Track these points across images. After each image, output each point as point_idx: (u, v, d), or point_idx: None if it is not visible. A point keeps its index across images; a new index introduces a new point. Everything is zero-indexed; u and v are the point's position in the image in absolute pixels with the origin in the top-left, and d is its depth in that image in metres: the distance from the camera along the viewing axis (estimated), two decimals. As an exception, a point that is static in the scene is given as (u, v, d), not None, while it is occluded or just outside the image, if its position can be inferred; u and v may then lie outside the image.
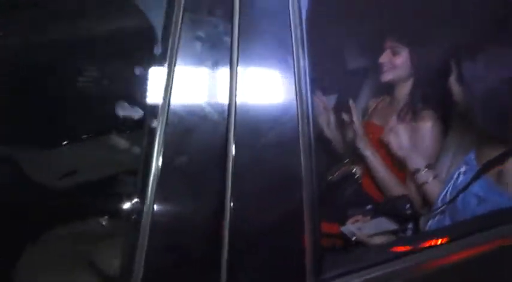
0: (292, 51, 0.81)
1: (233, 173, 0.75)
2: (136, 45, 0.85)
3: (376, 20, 1.57)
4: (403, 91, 1.66)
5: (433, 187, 1.39)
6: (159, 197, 0.72)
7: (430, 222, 1.32)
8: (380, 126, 1.70)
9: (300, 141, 0.80)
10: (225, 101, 0.77)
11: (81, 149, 0.90)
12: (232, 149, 0.76)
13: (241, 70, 0.78)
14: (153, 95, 0.75)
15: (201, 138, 0.75)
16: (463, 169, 1.28)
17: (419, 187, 1.42)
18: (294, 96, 0.80)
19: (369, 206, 1.45)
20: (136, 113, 0.82)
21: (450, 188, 1.29)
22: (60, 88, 0.90)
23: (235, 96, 0.77)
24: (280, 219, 0.79)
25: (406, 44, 1.57)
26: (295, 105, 0.80)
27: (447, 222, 1.26)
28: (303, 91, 0.81)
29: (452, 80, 1.23)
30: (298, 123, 0.80)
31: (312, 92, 0.83)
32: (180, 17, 0.77)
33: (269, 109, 0.79)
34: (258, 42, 0.80)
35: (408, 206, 1.31)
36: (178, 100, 0.75)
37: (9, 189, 0.93)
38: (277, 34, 0.81)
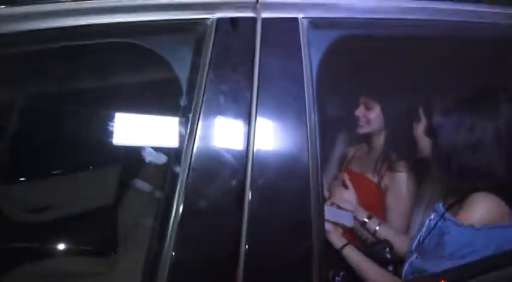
0: (305, 106, 0.88)
1: (249, 218, 0.80)
2: (163, 96, 0.90)
3: (352, 77, 1.67)
4: (378, 141, 1.75)
5: (383, 231, 1.50)
6: (179, 240, 0.76)
7: (405, 266, 1.38)
8: (358, 173, 1.78)
9: (311, 189, 0.86)
10: (243, 150, 0.83)
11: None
12: (249, 195, 0.81)
13: (259, 123, 0.84)
14: (178, 143, 0.80)
15: (220, 184, 0.80)
16: (432, 216, 1.35)
17: (374, 235, 1.52)
18: (306, 148, 0.87)
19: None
20: (161, 159, 0.86)
21: (423, 234, 1.36)
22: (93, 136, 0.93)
23: (253, 146, 0.83)
24: (290, 263, 0.83)
25: (377, 100, 1.67)
26: (307, 157, 0.86)
27: (418, 263, 1.31)
28: (314, 143, 0.87)
29: (420, 130, 1.30)
30: (309, 173, 0.86)
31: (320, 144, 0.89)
32: (206, 72, 0.83)
33: (283, 159, 0.85)
34: (275, 98, 0.87)
35: (387, 250, 1.37)
36: (201, 148, 0.80)
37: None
38: (292, 91, 0.88)
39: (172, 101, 0.84)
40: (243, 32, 0.88)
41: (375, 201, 1.64)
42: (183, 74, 0.85)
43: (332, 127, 2.17)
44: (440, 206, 1.35)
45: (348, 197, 1.56)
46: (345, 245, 1.38)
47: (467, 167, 1.21)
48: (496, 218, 1.17)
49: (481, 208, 1.16)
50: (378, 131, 1.71)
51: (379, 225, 1.51)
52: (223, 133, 0.83)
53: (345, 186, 1.59)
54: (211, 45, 0.85)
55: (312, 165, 0.87)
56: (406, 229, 1.58)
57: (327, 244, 0.85)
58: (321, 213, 0.85)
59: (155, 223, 0.79)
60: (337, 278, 1.44)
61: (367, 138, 1.78)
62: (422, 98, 1.34)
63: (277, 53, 0.90)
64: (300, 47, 0.92)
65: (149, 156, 0.85)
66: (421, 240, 1.34)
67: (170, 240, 0.75)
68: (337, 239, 1.41)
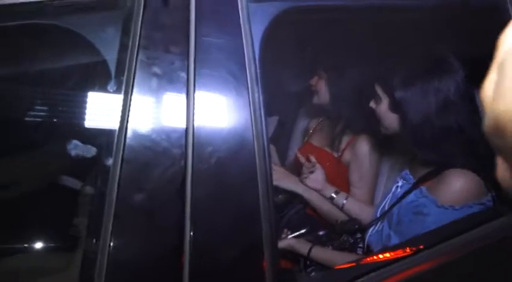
0: (248, 85, 0.82)
1: (192, 208, 0.74)
2: (89, 81, 0.82)
3: (311, 48, 1.62)
4: (337, 114, 1.72)
5: (350, 205, 1.51)
6: (115, 235, 0.70)
7: (370, 230, 1.38)
8: (318, 147, 1.76)
9: (258, 173, 0.81)
10: (181, 136, 0.76)
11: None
12: (191, 183, 0.75)
13: (198, 105, 0.78)
14: (108, 133, 0.72)
15: (158, 174, 0.74)
16: (400, 183, 1.35)
17: (342, 210, 1.53)
18: (251, 129, 0.81)
19: (322, 232, 1.51)
20: (90, 152, 0.79)
21: (389, 200, 1.36)
22: (9, 120, 0.84)
23: (193, 131, 0.77)
24: (239, 251, 0.79)
25: (327, 72, 1.63)
26: (252, 138, 0.81)
27: (386, 230, 1.32)
28: (259, 125, 0.82)
29: (383, 108, 1.28)
30: (256, 156, 0.81)
31: (267, 124, 0.84)
32: (135, 53, 0.76)
33: (227, 143, 0.80)
34: (215, 78, 0.80)
35: (357, 227, 1.38)
36: (134, 137, 0.73)
37: None
38: (233, 70, 0.82)
39: (99, 87, 0.76)
40: (176, 7, 0.81)
41: (337, 176, 1.62)
42: (110, 56, 0.77)
43: (290, 102, 2.14)
44: (408, 174, 1.34)
45: (315, 176, 1.55)
46: (311, 248, 1.37)
47: (436, 138, 1.19)
48: (473, 195, 1.16)
49: (459, 187, 1.15)
50: (331, 103, 1.68)
51: (346, 199, 1.52)
52: (159, 119, 0.76)
53: (311, 164, 1.57)
54: (139, 23, 0.77)
55: (258, 147, 0.81)
56: (371, 202, 1.59)
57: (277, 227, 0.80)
58: (270, 196, 0.81)
59: (90, 221, 0.72)
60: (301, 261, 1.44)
61: (326, 111, 1.75)
62: (378, 76, 1.31)
63: (215, 29, 0.83)
64: (240, 22, 0.85)
65: (76, 149, 0.77)
66: (386, 207, 1.34)
67: (105, 238, 0.69)
68: (301, 247, 1.39)
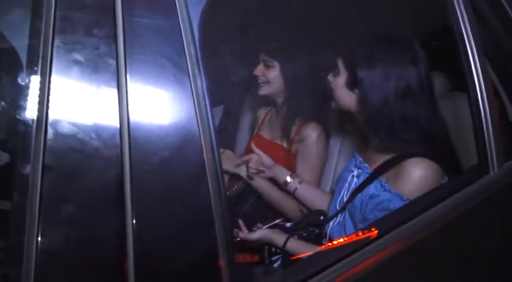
0: (188, 71, 0.71)
1: (134, 217, 0.63)
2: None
3: (252, 32, 1.54)
4: (284, 104, 1.64)
5: (304, 190, 1.47)
6: (41, 258, 0.57)
7: (331, 223, 1.35)
8: (269, 140, 1.69)
9: (207, 168, 0.71)
10: (116, 134, 0.64)
11: None
12: (130, 189, 0.63)
13: (132, 97, 0.66)
14: (22, 134, 0.59)
15: (90, 180, 0.62)
16: (355, 172, 1.31)
17: (293, 195, 1.48)
18: (195, 121, 0.71)
19: (290, 224, 1.47)
20: (1, 159, 0.65)
21: (346, 191, 1.32)
22: None
23: (128, 126, 0.65)
24: (192, 258, 0.69)
25: (276, 59, 1.55)
26: (197, 131, 0.71)
27: (348, 222, 1.29)
28: (204, 114, 0.72)
29: (340, 82, 1.23)
30: (203, 151, 0.71)
31: (213, 113, 0.74)
32: (50, 38, 0.62)
33: (169, 138, 0.69)
34: (149, 64, 0.69)
35: (322, 217, 1.33)
36: (56, 138, 0.60)
37: None
38: (169, 54, 0.71)
39: (7, 80, 0.62)
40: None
41: (288, 167, 1.55)
42: (19, 43, 0.63)
43: (235, 90, 2.04)
44: (362, 162, 1.30)
45: (265, 163, 1.48)
46: (287, 240, 1.32)
47: (394, 125, 1.15)
48: (434, 182, 1.14)
49: (421, 177, 1.13)
50: (281, 91, 1.61)
51: (300, 183, 1.47)
52: (85, 116, 0.64)
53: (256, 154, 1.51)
54: (53, 4, 0.64)
55: (205, 140, 0.71)
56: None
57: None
58: (221, 192, 0.71)
59: (6, 243, 0.58)
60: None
61: (274, 101, 1.67)
62: (340, 49, 1.25)
63: (145, 8, 0.71)
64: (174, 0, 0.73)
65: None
66: (345, 199, 1.30)
67: (29, 262, 0.56)
68: (277, 237, 1.34)
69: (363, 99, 1.17)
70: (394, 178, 1.16)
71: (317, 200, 1.47)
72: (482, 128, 1.09)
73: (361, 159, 1.31)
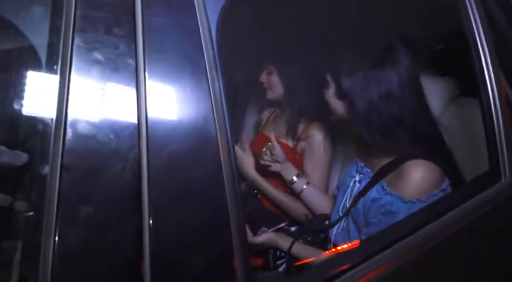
0: (206, 71, 0.71)
1: (151, 217, 0.62)
2: (12, 72, 0.66)
3: (256, 39, 1.55)
4: (290, 104, 1.66)
5: (309, 192, 1.46)
6: (59, 260, 0.56)
7: (334, 229, 1.34)
8: (269, 136, 1.69)
9: (223, 169, 0.70)
10: (134, 134, 0.63)
11: None
12: (147, 190, 0.63)
13: (150, 96, 0.65)
14: (41, 135, 0.58)
15: (108, 181, 0.61)
16: (357, 178, 1.32)
17: (298, 196, 1.48)
18: (213, 122, 0.70)
19: (294, 228, 1.47)
20: (19, 159, 0.63)
21: (348, 196, 1.32)
22: None
23: (147, 127, 0.64)
24: (208, 261, 0.68)
25: (275, 64, 1.59)
26: (215, 132, 0.70)
27: (352, 228, 1.28)
28: (221, 115, 0.71)
29: (331, 94, 1.26)
30: (220, 151, 0.70)
31: (230, 114, 0.73)
32: (70, 36, 0.62)
33: (187, 138, 0.68)
34: (167, 64, 0.68)
35: (327, 222, 1.32)
36: (75, 138, 0.59)
37: None
38: (188, 54, 0.70)
39: (26, 80, 0.61)
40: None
41: (293, 165, 1.55)
42: (38, 41, 0.62)
43: (243, 91, 2.05)
44: (364, 167, 1.30)
45: (278, 155, 1.47)
46: (293, 244, 1.31)
47: (384, 127, 1.16)
48: (434, 184, 1.14)
49: (421, 179, 1.13)
50: (283, 95, 1.62)
51: (306, 184, 1.46)
52: (104, 115, 0.63)
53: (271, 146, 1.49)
54: (73, 2, 0.63)
55: (222, 141, 0.70)
56: (326, 189, 1.55)
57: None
58: (237, 194, 0.70)
59: (25, 244, 0.57)
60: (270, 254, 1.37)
61: (280, 103, 1.68)
62: (328, 62, 1.28)
63: (164, 7, 0.70)
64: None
65: (1, 157, 0.62)
66: (348, 204, 1.30)
67: (46, 264, 0.55)
68: (283, 241, 1.33)
69: (350, 106, 1.20)
70: (395, 181, 1.17)
71: (321, 204, 1.47)
72: (495, 134, 1.08)
73: (362, 164, 1.31)
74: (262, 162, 1.49)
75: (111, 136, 0.62)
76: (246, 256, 0.71)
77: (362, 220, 1.22)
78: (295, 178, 1.46)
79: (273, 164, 1.48)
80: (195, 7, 0.72)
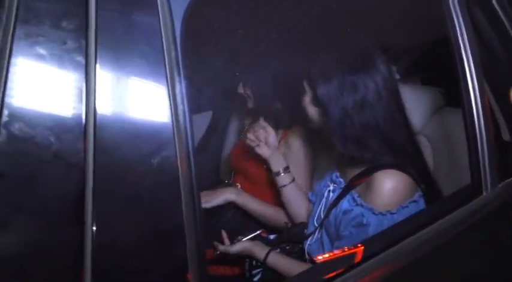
0: (166, 74, 0.65)
1: (94, 231, 0.56)
2: None
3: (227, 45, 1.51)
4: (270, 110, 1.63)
5: (291, 190, 1.40)
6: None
7: (309, 240, 1.30)
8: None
9: (180, 179, 0.64)
10: (79, 139, 0.57)
11: None
12: (92, 201, 0.56)
13: (100, 97, 0.59)
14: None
15: (47, 191, 0.55)
16: (331, 187, 1.28)
17: (280, 190, 1.41)
18: (171, 128, 0.64)
19: (273, 236, 1.41)
20: None
21: (323, 206, 1.28)
22: None
23: (95, 132, 0.58)
24: (158, 276, 0.62)
25: (246, 74, 1.55)
26: (172, 139, 0.64)
27: (325, 239, 1.24)
28: (182, 121, 0.65)
29: (307, 101, 1.22)
30: (177, 159, 0.64)
31: (191, 119, 0.68)
32: (11, 30, 0.55)
33: (139, 145, 0.62)
34: (122, 64, 0.62)
35: (306, 231, 1.27)
36: (10, 141, 0.53)
37: None
38: (147, 54, 0.64)
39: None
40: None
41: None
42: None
43: (223, 96, 2.00)
44: (338, 177, 1.26)
45: (269, 140, 1.40)
46: (269, 253, 1.25)
47: (358, 135, 1.11)
48: (405, 194, 1.09)
49: (391, 190, 1.08)
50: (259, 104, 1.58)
51: (291, 182, 1.39)
52: (45, 117, 0.56)
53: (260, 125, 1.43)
54: (17, -11, 0.57)
55: (181, 149, 0.64)
56: (307, 197, 1.49)
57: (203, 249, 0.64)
58: (195, 206, 0.65)
59: None
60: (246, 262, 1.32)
61: (259, 112, 1.64)
62: (304, 69, 1.23)
63: (122, 1, 0.64)
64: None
65: None
66: (322, 215, 1.26)
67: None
68: (259, 250, 1.27)
69: (324, 113, 1.15)
70: (365, 192, 1.12)
71: (299, 206, 1.41)
72: (477, 146, 1.04)
73: (338, 173, 1.27)
74: (248, 141, 1.42)
75: (52, 140, 0.55)
76: (202, 272, 0.65)
77: (334, 232, 1.17)
78: (282, 171, 1.39)
79: (262, 148, 1.41)
80: (157, 3, 0.66)
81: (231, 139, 1.91)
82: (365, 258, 0.88)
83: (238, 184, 1.63)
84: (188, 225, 0.63)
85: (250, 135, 1.42)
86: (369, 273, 0.86)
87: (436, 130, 1.56)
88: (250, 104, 1.58)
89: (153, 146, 0.62)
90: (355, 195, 1.15)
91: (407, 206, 1.08)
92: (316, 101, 1.18)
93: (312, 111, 1.22)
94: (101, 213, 0.57)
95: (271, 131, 1.42)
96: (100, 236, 0.56)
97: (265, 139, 1.41)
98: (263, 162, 1.47)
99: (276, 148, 1.42)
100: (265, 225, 1.48)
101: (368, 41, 1.24)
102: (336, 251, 1.12)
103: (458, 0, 1.07)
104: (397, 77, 1.95)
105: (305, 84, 1.23)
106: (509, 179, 1.09)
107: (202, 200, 1.25)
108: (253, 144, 1.41)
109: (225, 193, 1.46)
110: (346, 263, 0.88)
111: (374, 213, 1.08)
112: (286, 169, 1.40)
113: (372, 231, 1.07)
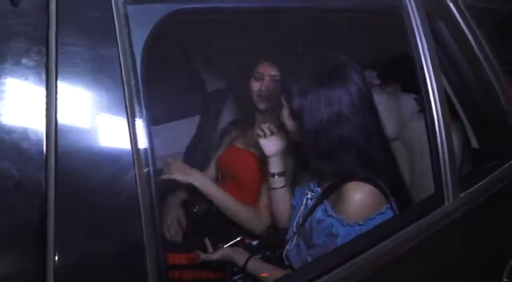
0: (126, 103, 0.68)
1: (56, 255, 0.60)
2: None
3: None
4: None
5: (280, 194, 1.41)
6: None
7: (288, 246, 1.32)
8: (243, 149, 1.67)
9: (140, 201, 0.68)
10: (41, 162, 0.61)
11: None
12: (53, 225, 0.60)
13: (61, 125, 0.63)
14: None
15: (7, 219, 0.58)
16: (309, 195, 1.31)
17: (270, 192, 1.43)
18: (130, 154, 0.68)
19: (256, 242, 1.44)
20: None
21: (301, 213, 1.31)
22: None
23: (55, 160, 0.62)
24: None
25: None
26: (132, 164, 0.68)
27: (302, 246, 1.27)
28: (141, 148, 0.69)
29: (285, 115, 1.24)
30: (137, 183, 0.68)
31: (152, 145, 0.71)
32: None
33: (99, 171, 0.65)
34: (84, 95, 0.65)
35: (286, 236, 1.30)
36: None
37: None
38: (107, 85, 0.68)
39: None
40: (30, 9, 0.65)
41: (261, 175, 1.54)
42: None
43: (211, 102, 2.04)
44: (316, 186, 1.29)
45: (276, 140, 1.40)
46: (248, 259, 1.28)
47: (330, 149, 1.14)
48: (373, 207, 1.12)
49: (358, 202, 1.10)
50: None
51: (282, 187, 1.41)
52: (7, 150, 0.60)
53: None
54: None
55: (140, 174, 0.68)
56: None
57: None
58: (156, 226, 0.68)
59: None
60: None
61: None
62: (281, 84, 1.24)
63: (81, 37, 0.67)
64: (114, 28, 0.70)
65: None
66: (300, 221, 1.29)
67: None
68: (238, 257, 1.29)
69: (300, 127, 1.17)
70: (336, 203, 1.15)
71: (284, 211, 1.43)
72: (439, 156, 1.07)
73: (316, 182, 1.29)
74: (258, 131, 1.41)
75: (14, 171, 0.59)
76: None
77: (308, 240, 1.20)
78: (277, 174, 1.40)
79: (269, 144, 1.40)
80: (116, 36, 0.70)
81: (218, 141, 1.93)
82: (335, 266, 0.91)
83: None
84: (148, 246, 0.67)
85: (264, 127, 1.40)
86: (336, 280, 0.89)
87: (410, 136, 1.59)
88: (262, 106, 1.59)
89: (112, 170, 0.66)
90: (328, 206, 1.18)
91: (374, 218, 1.10)
92: (292, 114, 1.20)
93: (289, 124, 1.24)
94: (62, 239, 0.60)
95: (278, 135, 1.42)
96: (62, 262, 0.60)
97: (274, 138, 1.40)
98: (262, 161, 1.49)
99: (279, 148, 1.41)
100: (246, 232, 1.51)
101: (342, 52, 1.26)
102: (307, 258, 1.16)
103: (418, 13, 1.10)
104: (377, 82, 1.99)
105: (282, 99, 1.24)
106: (472, 189, 1.13)
107: None
108: (262, 135, 1.40)
109: (190, 175, 1.47)
110: (318, 270, 0.91)
111: (342, 225, 1.11)
112: (282, 174, 1.42)
113: (340, 241, 1.10)
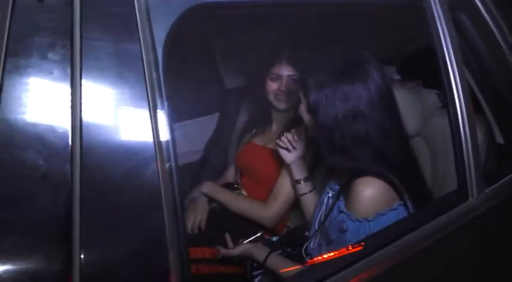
0: (148, 97, 0.69)
1: (82, 250, 0.60)
2: None
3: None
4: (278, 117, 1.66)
5: (309, 199, 1.41)
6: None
7: (311, 242, 1.32)
8: (262, 146, 1.67)
9: (163, 196, 0.68)
10: (66, 156, 0.62)
11: None
12: (78, 219, 0.61)
13: (85, 121, 0.64)
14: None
15: (34, 210, 0.59)
16: (330, 194, 1.30)
17: (299, 197, 1.43)
18: (153, 149, 0.68)
19: (275, 238, 1.45)
20: None
21: (323, 212, 1.30)
22: None
23: (81, 152, 0.62)
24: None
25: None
26: (154, 158, 0.68)
27: (323, 242, 1.26)
28: (164, 142, 0.69)
29: (303, 109, 1.22)
30: (159, 178, 0.68)
31: (174, 140, 0.71)
32: (1, 61, 0.60)
33: (123, 165, 0.66)
34: (105, 86, 0.66)
35: (307, 233, 1.29)
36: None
37: None
38: (130, 79, 0.68)
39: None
40: (54, 4, 0.65)
41: (279, 171, 1.52)
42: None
43: (230, 99, 2.05)
44: (336, 184, 1.28)
45: (297, 150, 1.40)
46: (268, 255, 1.28)
47: (345, 145, 1.11)
48: (384, 203, 1.09)
49: (368, 197, 1.08)
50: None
51: (310, 191, 1.41)
52: (34, 139, 0.61)
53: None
54: (7, 25, 0.62)
55: (163, 168, 0.68)
56: None
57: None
58: (178, 222, 0.68)
59: None
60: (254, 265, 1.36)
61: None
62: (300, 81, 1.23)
63: (104, 31, 0.68)
64: (136, 22, 0.71)
65: None
66: (321, 219, 1.28)
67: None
68: (259, 253, 1.30)
69: (315, 122, 1.15)
70: (348, 198, 1.13)
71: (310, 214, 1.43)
72: (462, 152, 1.04)
73: (336, 180, 1.28)
74: (278, 142, 1.42)
75: (41, 162, 0.60)
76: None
77: (327, 237, 1.19)
78: (302, 180, 1.40)
79: (289, 154, 1.40)
80: (138, 30, 0.70)
81: (238, 139, 1.93)
82: (354, 260, 0.90)
83: (242, 190, 1.67)
84: (171, 241, 0.67)
85: (283, 138, 1.40)
86: (357, 274, 0.88)
87: (433, 132, 1.56)
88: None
89: (134, 164, 0.66)
90: (342, 202, 1.17)
91: (385, 214, 1.08)
92: (309, 109, 1.18)
93: (307, 119, 1.22)
94: (87, 234, 0.61)
95: (299, 141, 1.42)
96: (86, 257, 0.61)
97: (294, 146, 1.40)
98: (285, 167, 1.48)
99: (300, 155, 1.41)
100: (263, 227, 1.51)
101: (361, 48, 1.24)
102: (326, 254, 1.15)
103: (441, 6, 1.07)
104: (397, 77, 1.96)
105: (300, 93, 1.23)
106: (496, 184, 1.10)
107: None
108: (283, 147, 1.40)
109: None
110: (336, 265, 0.90)
111: (351, 220, 1.09)
112: (307, 179, 1.41)
113: (349, 236, 1.08)
